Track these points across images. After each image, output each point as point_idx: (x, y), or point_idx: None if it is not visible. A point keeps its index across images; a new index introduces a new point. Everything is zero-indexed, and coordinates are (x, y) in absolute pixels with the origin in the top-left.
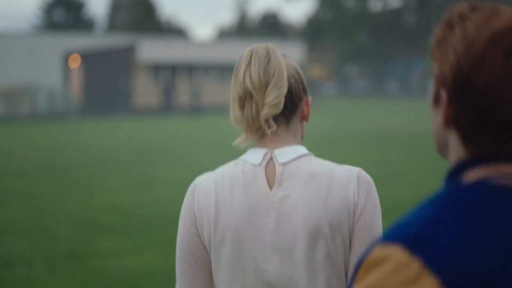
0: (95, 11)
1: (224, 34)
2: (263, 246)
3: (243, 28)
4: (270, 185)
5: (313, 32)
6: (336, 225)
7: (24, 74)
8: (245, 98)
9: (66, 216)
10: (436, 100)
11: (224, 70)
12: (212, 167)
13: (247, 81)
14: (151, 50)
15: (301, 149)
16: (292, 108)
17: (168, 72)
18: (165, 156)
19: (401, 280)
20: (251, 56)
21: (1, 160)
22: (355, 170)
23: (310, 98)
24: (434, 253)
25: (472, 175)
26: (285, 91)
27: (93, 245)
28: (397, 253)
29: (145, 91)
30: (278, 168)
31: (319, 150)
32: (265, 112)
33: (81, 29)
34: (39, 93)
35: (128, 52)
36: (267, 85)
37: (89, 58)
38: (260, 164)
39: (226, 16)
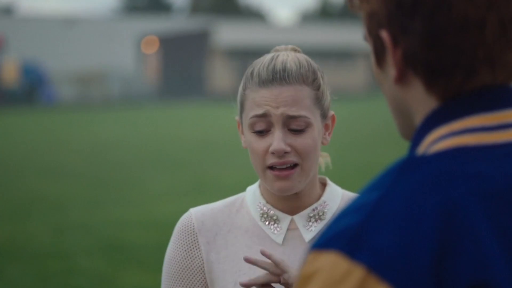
0: None
1: (306, 18)
2: None
3: (326, 12)
4: None
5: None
6: None
7: (100, 59)
8: None
9: (89, 235)
10: (379, 58)
11: (306, 55)
12: None
13: None
14: (228, 34)
15: None
16: None
17: (245, 57)
18: (227, 153)
19: None
20: None
21: (46, 155)
22: None
23: None
24: (379, 252)
25: (435, 136)
26: None
27: (113, 281)
28: (332, 262)
29: (221, 76)
30: None
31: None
32: None
33: (160, 12)
34: (114, 78)
35: (205, 36)
36: None
37: (167, 42)
38: None
39: (308, 0)
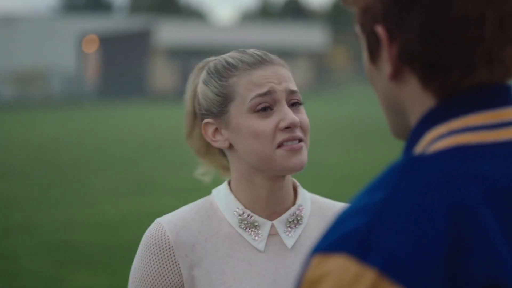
0: None
1: (246, 18)
2: None
3: (266, 12)
4: None
5: (337, 15)
6: None
7: (40, 58)
8: None
9: (34, 236)
10: (373, 53)
11: None
12: None
13: None
14: (169, 33)
15: None
16: None
17: (186, 56)
18: (171, 153)
19: None
20: None
21: None
22: None
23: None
24: (390, 254)
25: (433, 135)
26: None
27: (61, 282)
28: (341, 265)
29: (162, 75)
30: None
31: (343, 144)
32: None
33: (99, 11)
34: (54, 77)
35: (146, 35)
36: None
37: (107, 41)
38: None
39: (249, 0)
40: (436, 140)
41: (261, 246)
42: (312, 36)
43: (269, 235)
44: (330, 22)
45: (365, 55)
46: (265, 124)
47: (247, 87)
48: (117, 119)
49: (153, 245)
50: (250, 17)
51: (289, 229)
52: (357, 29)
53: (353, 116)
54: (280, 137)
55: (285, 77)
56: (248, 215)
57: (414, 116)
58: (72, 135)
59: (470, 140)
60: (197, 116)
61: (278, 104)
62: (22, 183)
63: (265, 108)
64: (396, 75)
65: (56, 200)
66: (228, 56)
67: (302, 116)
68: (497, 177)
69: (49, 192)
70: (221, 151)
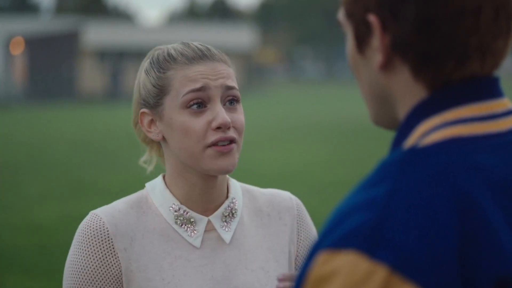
0: None
1: (174, 19)
2: None
3: (193, 13)
4: None
5: (265, 15)
6: None
7: None
8: None
9: None
10: (361, 42)
11: None
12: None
13: None
14: (97, 34)
15: None
16: None
17: (115, 58)
18: (103, 154)
19: None
20: None
21: None
22: None
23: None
24: (401, 249)
25: (426, 127)
26: None
27: None
28: (351, 262)
29: (91, 77)
30: None
31: (274, 144)
32: None
33: (26, 12)
34: None
35: (73, 37)
36: None
37: (34, 43)
38: None
39: (176, 0)
40: (430, 132)
41: (197, 242)
42: (240, 37)
43: (206, 231)
44: (258, 22)
45: (350, 44)
46: (196, 122)
47: (182, 82)
48: (47, 121)
49: (91, 236)
50: (178, 18)
51: (225, 223)
52: (341, 17)
53: (284, 116)
54: (211, 137)
55: (223, 74)
56: (184, 211)
57: (404, 107)
58: (1, 138)
59: (463, 132)
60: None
61: (212, 102)
62: None
63: (198, 104)
64: (386, 65)
65: None
66: (171, 47)
67: (237, 116)
68: (493, 168)
69: None
70: (158, 143)
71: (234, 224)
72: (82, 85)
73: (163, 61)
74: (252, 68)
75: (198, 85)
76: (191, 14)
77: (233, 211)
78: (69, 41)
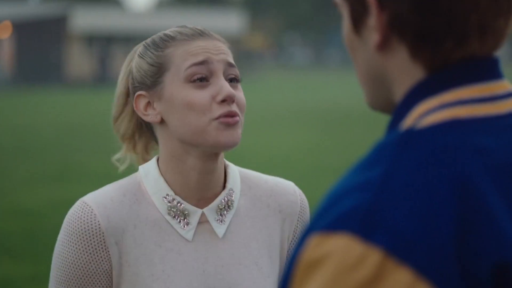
0: None
1: (162, 3)
2: None
3: None
4: None
5: (254, 0)
6: None
7: None
8: None
9: None
10: (357, 22)
11: None
12: None
13: None
14: (85, 19)
15: None
16: None
17: (103, 43)
18: (90, 138)
19: (359, 280)
20: None
21: None
22: None
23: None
24: (397, 232)
25: (424, 108)
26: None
27: None
28: (344, 245)
29: (79, 62)
30: None
31: (262, 129)
32: None
33: None
34: None
35: (61, 21)
36: None
37: (21, 28)
38: None
39: None
40: (428, 113)
41: (189, 235)
42: (228, 22)
43: (199, 222)
44: (247, 8)
45: (346, 24)
46: (201, 95)
47: (183, 56)
48: (34, 106)
49: (82, 230)
50: (167, 3)
51: (220, 216)
52: None
53: (272, 102)
54: (217, 111)
55: (224, 50)
56: (178, 203)
57: (401, 88)
58: None
59: (463, 114)
60: (130, 94)
61: (215, 76)
62: None
63: (201, 79)
64: (383, 45)
65: None
66: (167, 31)
67: (239, 93)
68: (493, 151)
69: None
70: (150, 132)
71: (229, 216)
72: (70, 70)
73: (160, 41)
74: (240, 54)
75: (200, 58)
76: (179, 0)
77: (230, 203)
78: (57, 25)
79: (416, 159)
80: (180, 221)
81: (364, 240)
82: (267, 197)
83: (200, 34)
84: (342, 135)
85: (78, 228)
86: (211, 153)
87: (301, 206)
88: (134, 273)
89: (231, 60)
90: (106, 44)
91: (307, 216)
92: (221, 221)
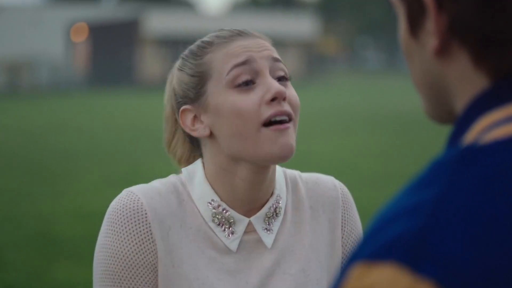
0: None
1: (237, 7)
2: None
3: (256, 2)
4: None
5: (327, 4)
6: None
7: (29, 46)
8: None
9: (18, 228)
10: (414, 24)
11: None
12: None
13: None
14: (158, 22)
15: None
16: None
17: (175, 46)
18: (160, 141)
19: None
20: None
21: None
22: None
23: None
24: (450, 263)
25: (488, 121)
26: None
27: (45, 274)
28: (390, 277)
29: (151, 65)
30: None
31: (334, 135)
32: None
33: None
34: (42, 66)
35: (134, 24)
36: None
37: (96, 30)
38: None
39: None
40: (493, 127)
41: (233, 245)
42: (302, 26)
43: (245, 232)
44: (320, 11)
45: (402, 26)
46: (248, 99)
47: (223, 60)
48: (106, 108)
49: (127, 216)
50: (240, 6)
51: (267, 225)
52: None
53: (344, 106)
54: (266, 112)
55: (267, 46)
56: (224, 210)
57: (462, 98)
58: (59, 124)
59: None
60: (175, 111)
61: (261, 76)
62: (7, 172)
63: (246, 82)
64: (442, 50)
65: (41, 190)
66: (204, 37)
67: (290, 91)
68: None
69: (35, 182)
70: (196, 147)
71: (277, 224)
72: (142, 73)
73: (197, 49)
74: (313, 58)
75: (241, 58)
76: (253, 3)
77: (277, 210)
78: (131, 28)
79: (476, 179)
80: (225, 229)
81: (412, 272)
82: (309, 199)
83: (239, 34)
84: (413, 140)
85: (124, 215)
86: (263, 165)
87: (342, 199)
88: (179, 274)
89: (277, 55)
90: (178, 47)
91: (351, 209)
92: (268, 230)
